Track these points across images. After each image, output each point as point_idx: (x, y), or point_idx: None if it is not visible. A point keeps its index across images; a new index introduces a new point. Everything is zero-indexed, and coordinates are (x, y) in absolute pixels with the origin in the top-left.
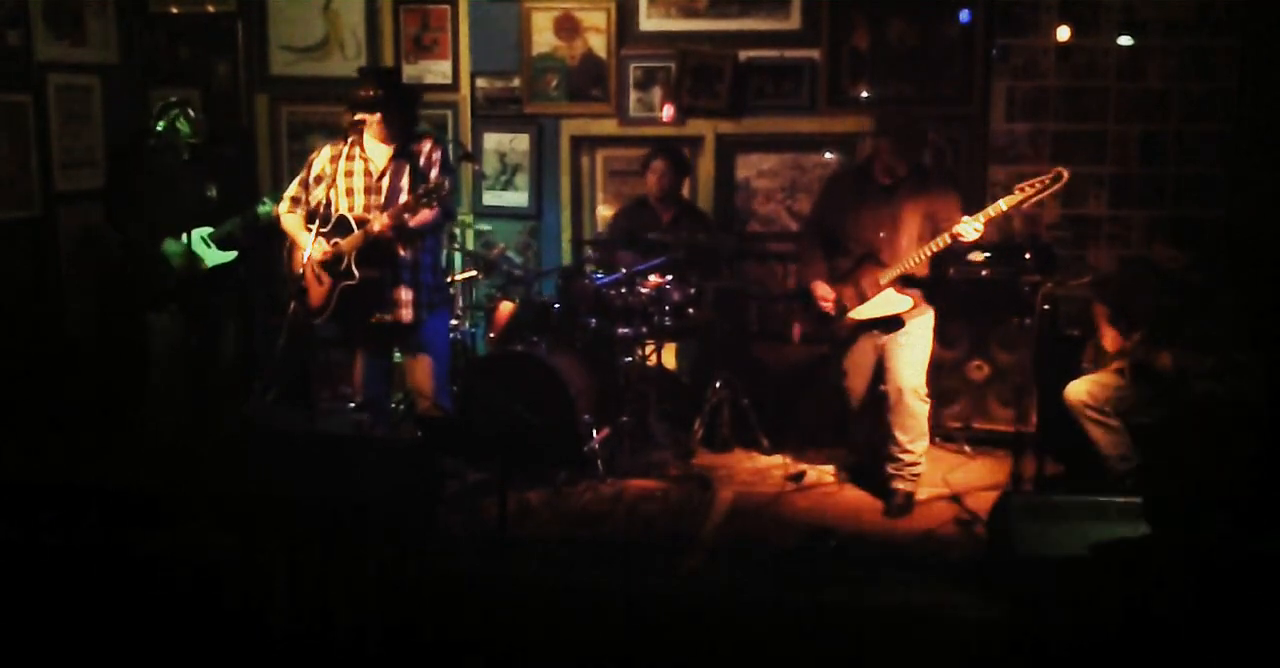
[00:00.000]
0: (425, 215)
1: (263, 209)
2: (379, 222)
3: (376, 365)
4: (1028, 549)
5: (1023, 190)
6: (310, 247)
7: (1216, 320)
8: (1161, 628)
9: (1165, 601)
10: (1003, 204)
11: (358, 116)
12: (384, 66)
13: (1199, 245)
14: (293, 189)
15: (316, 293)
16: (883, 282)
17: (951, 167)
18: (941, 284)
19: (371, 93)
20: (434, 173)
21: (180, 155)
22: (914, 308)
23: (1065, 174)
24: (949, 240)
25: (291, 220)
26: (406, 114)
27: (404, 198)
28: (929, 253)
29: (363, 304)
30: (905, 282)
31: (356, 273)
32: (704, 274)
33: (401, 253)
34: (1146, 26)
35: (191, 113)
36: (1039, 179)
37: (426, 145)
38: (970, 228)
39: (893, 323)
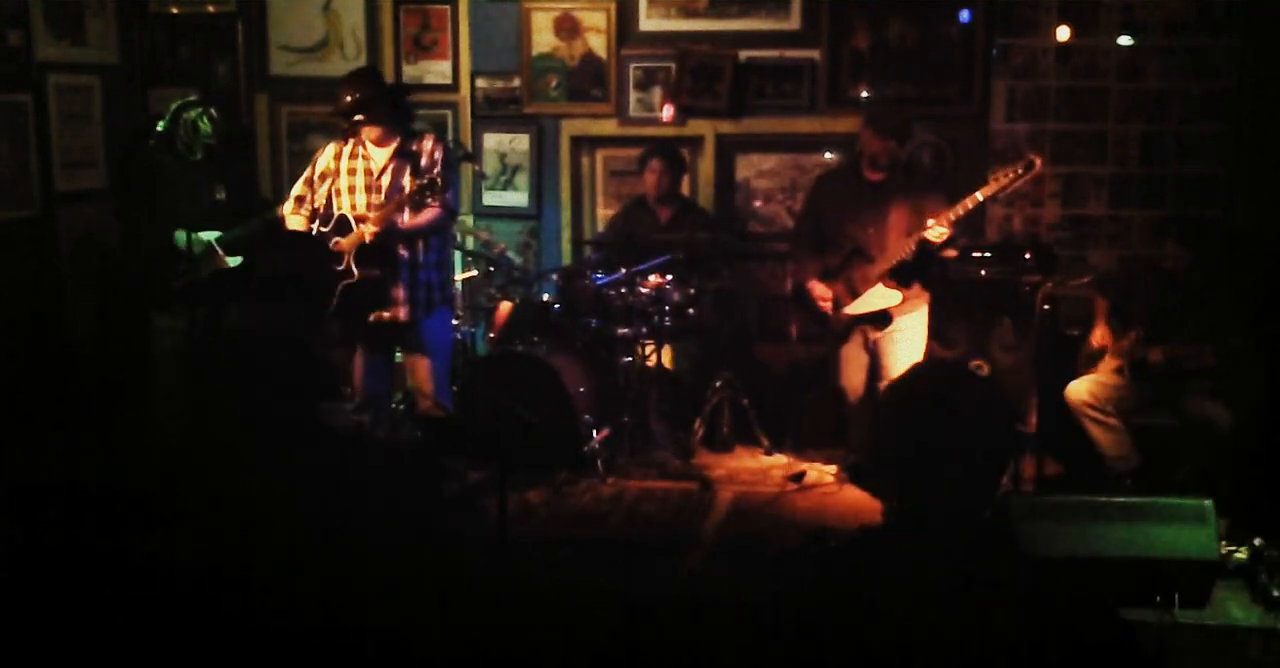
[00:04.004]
0: (427, 215)
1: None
2: (369, 226)
3: (377, 364)
4: (1028, 549)
5: (996, 180)
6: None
7: (1214, 316)
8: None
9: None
10: (979, 195)
11: (355, 118)
12: (363, 69)
13: (1204, 245)
14: (298, 188)
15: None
16: (872, 276)
17: (952, 166)
18: (933, 277)
19: (351, 97)
20: (436, 171)
21: (193, 154)
22: (904, 303)
23: (1038, 162)
24: (916, 244)
25: (295, 221)
26: (397, 111)
27: (402, 193)
28: (908, 252)
29: (363, 303)
30: (896, 276)
31: (356, 272)
32: (704, 274)
33: (402, 252)
34: (1146, 26)
35: (214, 113)
36: (1012, 167)
37: (428, 143)
38: (935, 232)
39: (883, 319)
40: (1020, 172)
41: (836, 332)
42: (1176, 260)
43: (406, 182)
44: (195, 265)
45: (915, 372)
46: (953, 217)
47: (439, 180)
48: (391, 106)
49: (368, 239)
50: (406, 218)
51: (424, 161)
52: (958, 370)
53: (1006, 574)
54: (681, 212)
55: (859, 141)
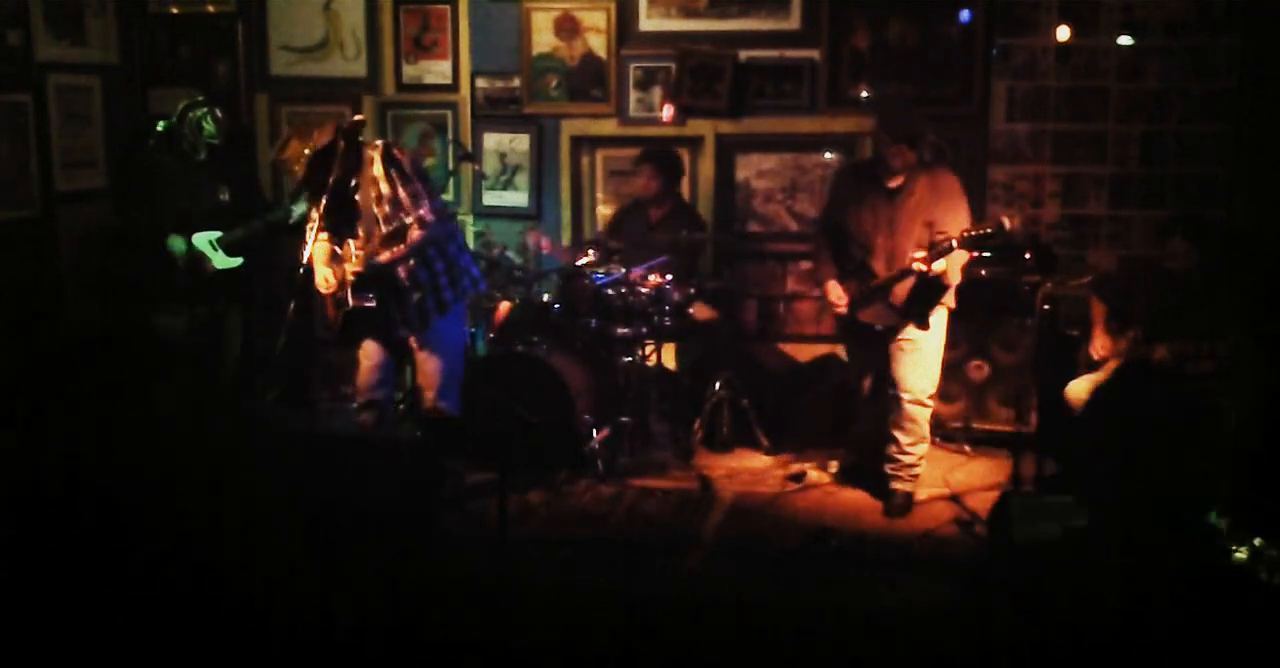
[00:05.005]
0: (409, 239)
1: (298, 209)
2: (347, 267)
3: (383, 366)
4: (1027, 549)
5: (968, 233)
6: (316, 265)
7: (1215, 315)
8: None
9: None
10: (954, 244)
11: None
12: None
13: (1208, 243)
14: (310, 220)
15: (331, 312)
16: (878, 289)
17: (952, 166)
18: (934, 300)
19: (295, 158)
20: (400, 191)
21: (197, 154)
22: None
23: (1009, 223)
24: (901, 272)
25: (320, 249)
26: (340, 144)
27: (378, 225)
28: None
29: (365, 327)
30: (901, 312)
31: (350, 301)
32: (697, 274)
33: (401, 273)
34: (1146, 26)
35: (219, 113)
36: (984, 225)
37: (376, 164)
38: (918, 264)
39: (889, 332)
40: (990, 231)
41: (851, 331)
42: (1184, 259)
43: (376, 212)
44: (199, 265)
45: (1124, 375)
46: (934, 253)
47: (408, 218)
48: (329, 151)
49: (337, 282)
50: (386, 254)
51: (385, 189)
52: (1171, 379)
53: (1006, 574)
54: (672, 212)
55: (874, 145)
